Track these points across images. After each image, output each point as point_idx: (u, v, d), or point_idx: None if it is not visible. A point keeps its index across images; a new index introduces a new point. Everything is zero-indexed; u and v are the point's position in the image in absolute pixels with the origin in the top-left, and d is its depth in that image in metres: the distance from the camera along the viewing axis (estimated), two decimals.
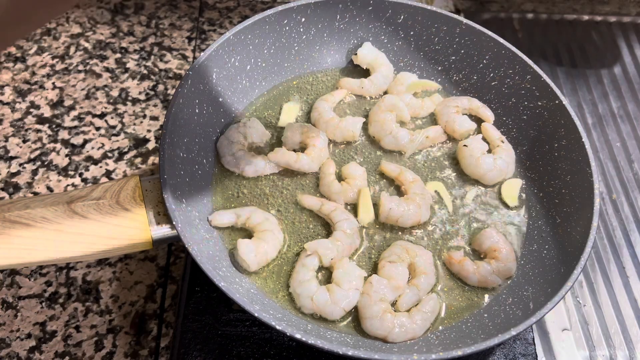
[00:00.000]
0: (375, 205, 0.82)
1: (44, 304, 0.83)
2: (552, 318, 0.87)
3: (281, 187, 0.84)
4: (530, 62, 0.89)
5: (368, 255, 0.79)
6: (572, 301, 0.90)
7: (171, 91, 1.09)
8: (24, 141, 1.00)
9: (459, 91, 0.97)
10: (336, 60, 0.98)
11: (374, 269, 0.77)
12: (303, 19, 0.92)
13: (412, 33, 0.97)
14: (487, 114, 0.92)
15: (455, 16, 0.93)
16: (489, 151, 0.88)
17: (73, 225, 0.66)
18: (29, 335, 0.80)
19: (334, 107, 0.92)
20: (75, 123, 1.03)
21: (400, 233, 0.81)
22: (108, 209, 0.68)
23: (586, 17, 1.32)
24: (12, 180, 0.95)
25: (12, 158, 0.97)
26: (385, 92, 0.96)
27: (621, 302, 0.91)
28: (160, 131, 1.03)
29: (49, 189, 0.94)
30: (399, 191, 0.85)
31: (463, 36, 0.94)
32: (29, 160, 0.97)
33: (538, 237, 0.82)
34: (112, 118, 1.04)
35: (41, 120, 1.03)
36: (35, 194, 0.94)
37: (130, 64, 1.12)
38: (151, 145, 1.01)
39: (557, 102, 0.86)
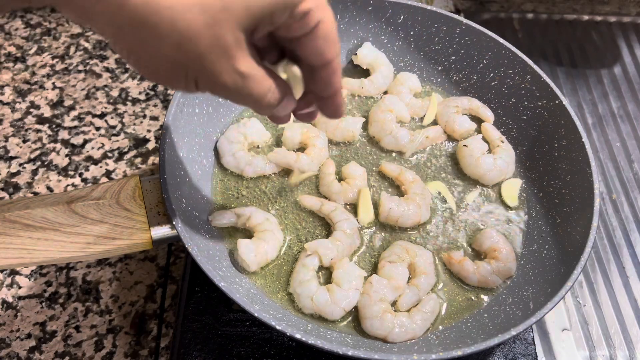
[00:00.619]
0: (375, 205, 0.82)
1: (44, 304, 0.83)
2: (552, 318, 0.87)
3: (281, 187, 0.84)
4: (530, 62, 0.89)
5: (368, 255, 0.79)
6: (572, 301, 0.90)
7: (171, 91, 1.08)
8: (24, 141, 1.00)
9: (459, 91, 0.97)
10: None
11: (374, 269, 0.77)
12: None
13: (412, 33, 0.97)
14: (487, 114, 0.92)
15: (455, 16, 0.93)
16: (489, 151, 0.88)
17: (73, 226, 0.66)
18: (29, 335, 0.80)
19: None
20: (75, 123, 1.03)
21: (400, 233, 0.81)
22: (108, 209, 0.68)
23: (586, 17, 1.32)
24: (12, 180, 0.95)
25: (12, 158, 0.97)
26: (385, 92, 0.96)
27: (621, 302, 0.91)
28: (160, 131, 1.03)
29: (49, 189, 0.94)
30: (399, 191, 0.85)
31: (463, 36, 0.94)
32: (29, 160, 0.97)
33: (538, 237, 0.81)
34: (112, 118, 1.04)
35: (41, 120, 1.03)
36: (35, 194, 0.94)
37: None
38: (151, 145, 1.01)
39: (557, 102, 0.86)
